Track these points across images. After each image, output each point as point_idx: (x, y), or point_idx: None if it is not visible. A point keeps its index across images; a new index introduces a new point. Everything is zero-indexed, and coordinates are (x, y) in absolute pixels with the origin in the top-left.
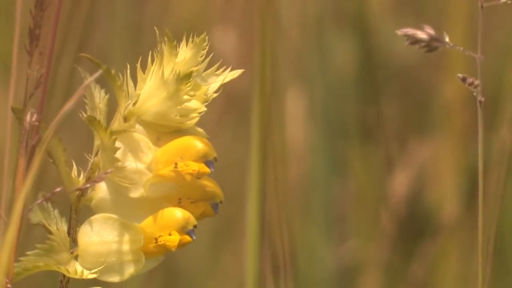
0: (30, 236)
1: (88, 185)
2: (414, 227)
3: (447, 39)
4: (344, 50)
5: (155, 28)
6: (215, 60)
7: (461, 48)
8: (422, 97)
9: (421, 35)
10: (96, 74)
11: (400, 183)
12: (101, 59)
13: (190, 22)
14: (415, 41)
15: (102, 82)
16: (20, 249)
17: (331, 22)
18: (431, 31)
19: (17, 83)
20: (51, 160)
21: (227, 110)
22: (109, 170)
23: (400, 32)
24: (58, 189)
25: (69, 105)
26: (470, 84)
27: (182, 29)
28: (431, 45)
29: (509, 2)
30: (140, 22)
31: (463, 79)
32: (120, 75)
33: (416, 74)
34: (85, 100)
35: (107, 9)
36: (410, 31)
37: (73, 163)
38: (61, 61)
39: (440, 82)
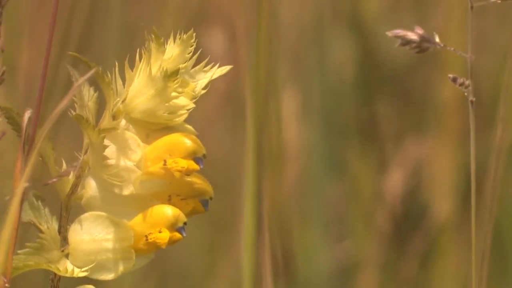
0: (30, 235)
1: (55, 180)
2: (410, 226)
3: (437, 40)
4: (341, 50)
5: (142, 25)
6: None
7: (452, 49)
8: (419, 97)
9: (412, 36)
10: (89, 74)
11: (396, 182)
12: (100, 60)
13: (187, 22)
14: (406, 42)
15: (93, 81)
16: (18, 248)
17: (328, 21)
18: (421, 32)
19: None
20: (41, 159)
21: (223, 108)
22: (74, 164)
23: (390, 33)
24: (26, 185)
25: (62, 105)
26: (461, 84)
27: (179, 29)
28: (422, 46)
29: (499, 1)
30: (138, 23)
31: (454, 80)
32: (109, 73)
33: (413, 74)
34: (74, 99)
35: (106, 10)
36: (400, 32)
37: (63, 161)
38: (61, 61)
39: (437, 82)
